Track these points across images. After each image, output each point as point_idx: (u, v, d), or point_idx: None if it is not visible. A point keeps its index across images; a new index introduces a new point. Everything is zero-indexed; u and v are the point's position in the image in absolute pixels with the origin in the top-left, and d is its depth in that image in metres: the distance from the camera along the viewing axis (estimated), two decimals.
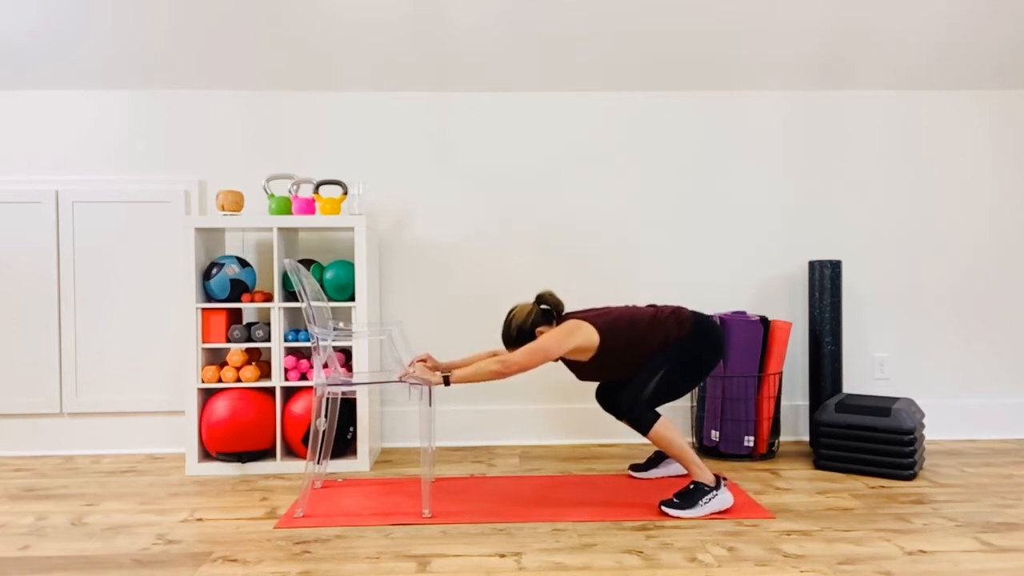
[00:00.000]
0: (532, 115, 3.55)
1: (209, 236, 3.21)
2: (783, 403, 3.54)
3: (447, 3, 3.15)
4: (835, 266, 3.32)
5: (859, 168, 3.59)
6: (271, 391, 3.17)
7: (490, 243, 3.54)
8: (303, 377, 3.10)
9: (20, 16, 3.13)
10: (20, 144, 3.46)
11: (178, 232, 3.41)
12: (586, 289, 3.55)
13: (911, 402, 2.99)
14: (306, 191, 3.45)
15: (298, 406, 3.06)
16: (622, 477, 2.92)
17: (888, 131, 3.59)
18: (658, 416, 2.52)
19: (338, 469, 3.06)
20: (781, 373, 3.23)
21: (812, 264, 3.37)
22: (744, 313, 3.28)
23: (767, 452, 3.20)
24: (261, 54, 3.34)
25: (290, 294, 3.14)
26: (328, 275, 3.12)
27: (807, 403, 3.52)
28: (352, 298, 3.15)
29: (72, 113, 3.47)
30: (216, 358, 3.24)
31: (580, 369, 2.68)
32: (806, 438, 3.55)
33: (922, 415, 3.00)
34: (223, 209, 3.11)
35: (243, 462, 3.06)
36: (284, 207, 3.15)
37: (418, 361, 2.60)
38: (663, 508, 2.45)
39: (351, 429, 3.15)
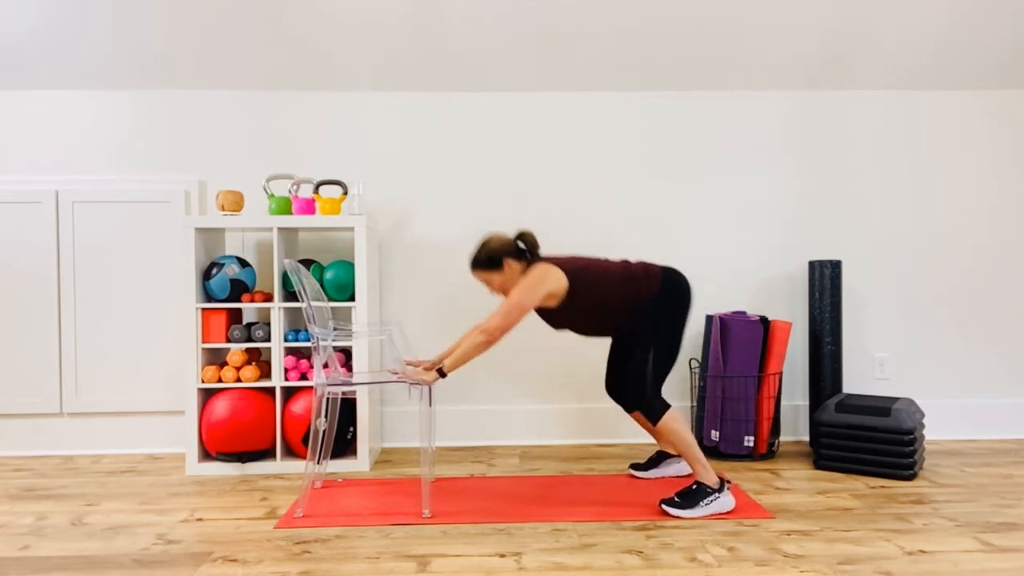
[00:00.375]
0: (532, 115, 3.55)
1: (209, 236, 3.21)
2: (783, 403, 3.54)
3: (447, 3, 3.15)
4: (835, 266, 3.32)
5: (859, 168, 3.59)
6: (271, 391, 3.17)
7: None
8: (303, 377, 3.10)
9: (20, 16, 3.13)
10: (20, 144, 3.46)
11: (178, 232, 3.41)
12: None
13: (911, 402, 2.99)
14: (306, 191, 3.45)
15: (298, 406, 3.06)
16: (622, 477, 2.92)
17: (888, 131, 3.59)
18: (668, 406, 2.54)
19: (338, 469, 3.06)
20: (781, 373, 3.23)
21: (812, 264, 3.37)
22: (744, 313, 3.28)
23: (767, 452, 3.20)
24: (261, 54, 3.34)
25: (290, 294, 3.14)
26: (328, 275, 3.12)
27: (807, 403, 3.52)
28: (352, 298, 3.15)
29: (72, 113, 3.47)
30: (216, 358, 3.24)
31: (551, 317, 2.68)
32: (806, 438, 3.55)
33: (922, 415, 3.00)
34: (223, 209, 3.11)
35: (243, 462, 3.06)
36: (284, 207, 3.15)
37: (408, 366, 2.60)
38: (664, 507, 2.45)
39: (351, 429, 3.15)
